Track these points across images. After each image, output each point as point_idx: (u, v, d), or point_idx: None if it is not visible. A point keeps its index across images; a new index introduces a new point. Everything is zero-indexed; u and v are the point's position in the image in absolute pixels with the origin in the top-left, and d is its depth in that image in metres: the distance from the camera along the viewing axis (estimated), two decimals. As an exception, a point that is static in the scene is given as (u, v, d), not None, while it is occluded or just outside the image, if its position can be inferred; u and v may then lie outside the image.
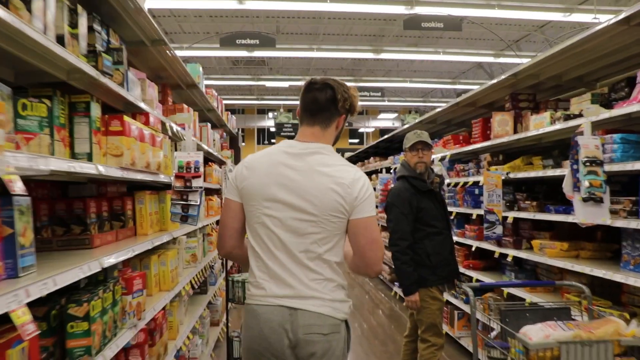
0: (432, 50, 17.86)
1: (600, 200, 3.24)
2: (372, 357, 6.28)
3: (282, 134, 23.18)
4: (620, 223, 3.23)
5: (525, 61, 4.87)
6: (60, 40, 2.22)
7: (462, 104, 6.28)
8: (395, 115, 30.81)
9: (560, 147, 4.69)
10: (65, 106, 2.44)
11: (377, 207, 10.79)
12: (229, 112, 9.38)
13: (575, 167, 3.33)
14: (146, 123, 3.28)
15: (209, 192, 7.00)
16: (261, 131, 31.77)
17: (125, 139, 2.77)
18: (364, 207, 2.19)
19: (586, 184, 3.23)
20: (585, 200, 3.24)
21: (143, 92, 3.87)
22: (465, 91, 6.34)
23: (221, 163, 7.47)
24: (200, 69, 6.11)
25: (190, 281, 4.63)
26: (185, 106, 4.80)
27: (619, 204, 3.39)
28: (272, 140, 28.86)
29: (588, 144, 3.27)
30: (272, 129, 26.57)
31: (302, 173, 2.21)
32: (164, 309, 3.90)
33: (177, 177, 3.78)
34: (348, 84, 2.41)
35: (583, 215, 3.26)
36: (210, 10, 16.46)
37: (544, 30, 18.31)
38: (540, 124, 4.39)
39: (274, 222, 2.21)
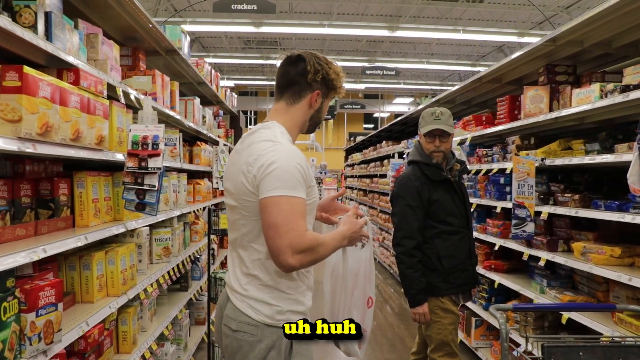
0: (451, 28, 16.85)
1: (677, 196, 2.43)
2: (380, 358, 5.60)
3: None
4: None
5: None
6: None
7: (485, 79, 5.43)
8: (412, 99, 29.80)
9: (608, 129, 3.84)
10: None
11: (388, 195, 9.95)
12: (228, 89, 8.60)
13: (644, 151, 2.50)
14: (75, 83, 2.50)
15: (197, 174, 6.28)
16: (273, 114, 31.01)
17: (26, 98, 1.99)
18: (263, 185, 1.91)
19: (659, 173, 2.41)
20: (657, 195, 2.42)
21: (93, 50, 3.14)
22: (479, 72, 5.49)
23: (214, 143, 6.70)
24: (185, 35, 5.32)
25: (158, 280, 3.89)
26: (156, 72, 4.03)
27: (703, 201, 2.56)
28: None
29: (663, 121, 2.44)
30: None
31: (234, 158, 2.13)
32: (114, 319, 3.16)
33: (129, 155, 3.02)
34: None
35: (653, 215, 2.44)
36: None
37: (570, 11, 17.24)
38: (587, 99, 3.55)
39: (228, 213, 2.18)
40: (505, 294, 5.06)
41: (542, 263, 3.96)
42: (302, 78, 2.10)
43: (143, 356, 3.46)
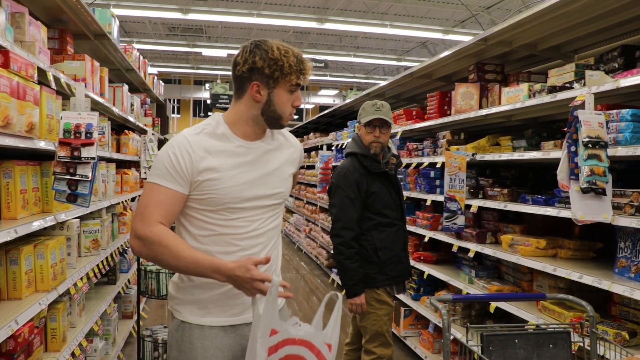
0: (379, 22, 17.13)
1: (602, 192, 2.58)
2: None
3: (217, 105, 22.16)
4: (625, 221, 2.58)
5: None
6: None
7: (417, 75, 5.56)
8: (337, 92, 30.07)
9: (532, 126, 4.04)
10: None
11: (316, 186, 10.01)
12: (155, 77, 8.36)
13: (573, 149, 2.65)
14: (5, 65, 2.35)
15: (125, 164, 6.08)
16: (197, 103, 30.46)
17: (-45, 82, 1.86)
18: None
19: (586, 171, 2.56)
20: (584, 191, 2.57)
21: (19, 30, 2.97)
22: (410, 68, 5.62)
23: (142, 131, 6.51)
24: (115, 19, 5.12)
25: (88, 273, 3.74)
26: (87, 57, 3.85)
27: (624, 197, 2.73)
28: (209, 113, 27.58)
29: (590, 121, 2.59)
30: (209, 101, 25.30)
31: None
32: (44, 316, 3.01)
33: (61, 143, 2.88)
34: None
35: (581, 209, 2.59)
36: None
37: (491, 12, 17.91)
38: (516, 98, 3.71)
39: None
40: (434, 284, 5.23)
41: (471, 254, 4.12)
42: (235, 72, 1.98)
43: (73, 353, 3.32)
